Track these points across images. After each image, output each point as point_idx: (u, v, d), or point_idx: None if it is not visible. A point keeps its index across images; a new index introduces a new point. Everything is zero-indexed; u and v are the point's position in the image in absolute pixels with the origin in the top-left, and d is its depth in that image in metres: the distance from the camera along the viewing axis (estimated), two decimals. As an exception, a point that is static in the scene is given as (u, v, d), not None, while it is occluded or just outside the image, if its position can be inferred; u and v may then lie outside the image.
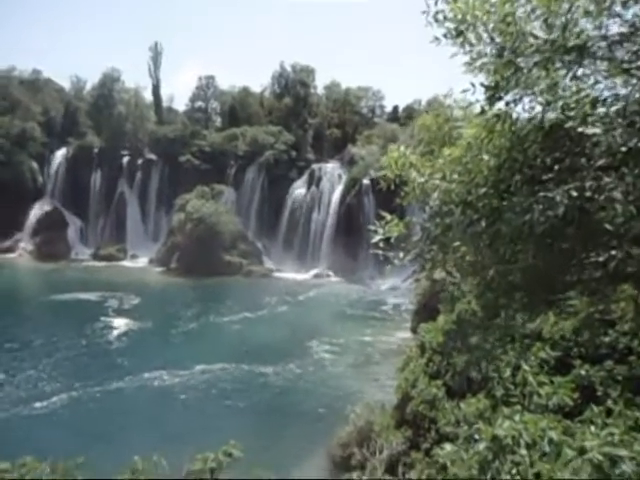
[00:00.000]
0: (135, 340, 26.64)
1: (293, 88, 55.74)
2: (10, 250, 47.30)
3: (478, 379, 9.78)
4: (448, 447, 3.43)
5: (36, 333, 26.90)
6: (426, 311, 22.54)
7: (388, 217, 4.30)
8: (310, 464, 16.22)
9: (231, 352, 24.96)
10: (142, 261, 47.62)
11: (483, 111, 4.13)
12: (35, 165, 50.92)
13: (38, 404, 18.78)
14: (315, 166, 50.75)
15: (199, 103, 60.81)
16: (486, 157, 4.01)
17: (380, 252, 4.43)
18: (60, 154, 52.54)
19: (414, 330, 24.35)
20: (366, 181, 46.47)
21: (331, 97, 60.24)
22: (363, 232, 45.98)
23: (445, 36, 4.07)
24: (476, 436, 3.36)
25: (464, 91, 4.20)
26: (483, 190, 3.98)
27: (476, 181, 3.98)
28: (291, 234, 48.66)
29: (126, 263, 47.49)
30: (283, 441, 17.09)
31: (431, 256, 4.25)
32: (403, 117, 58.07)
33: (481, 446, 3.02)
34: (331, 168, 50.63)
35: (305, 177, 50.19)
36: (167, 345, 26.22)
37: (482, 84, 4.12)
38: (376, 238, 4.33)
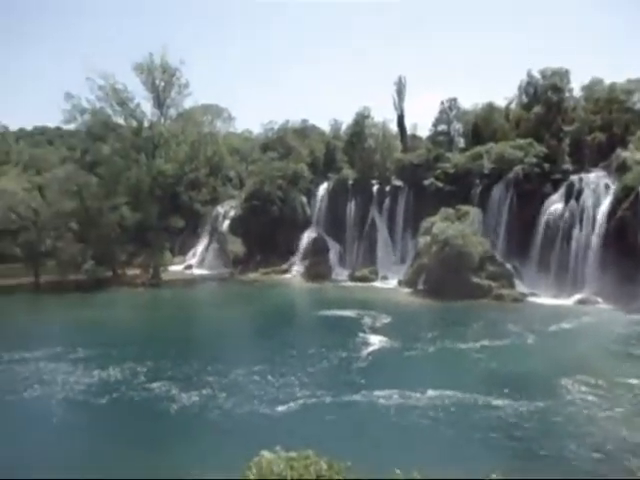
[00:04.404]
0: (379, 357, 28.00)
1: (543, 95, 51.05)
2: (287, 271, 56.55)
3: None
4: None
5: (310, 344, 31.18)
6: None
7: None
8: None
9: (466, 381, 23.69)
10: (391, 282, 50.33)
11: None
12: (304, 199, 60.07)
13: (280, 407, 21.06)
14: (574, 177, 45.01)
15: (442, 126, 61.60)
16: None
17: None
18: (322, 188, 60.58)
19: None
20: (644, 189, 38.82)
21: (591, 97, 52.81)
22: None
23: None
24: None
25: None
26: None
27: None
28: (546, 254, 44.04)
29: (377, 284, 50.98)
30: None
31: None
32: (697, 106, 46.63)
33: None
34: (595, 178, 44.06)
35: (562, 191, 44.94)
36: (405, 366, 26.68)
37: None
38: None
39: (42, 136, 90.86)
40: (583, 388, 22.59)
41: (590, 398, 21.59)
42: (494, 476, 7.17)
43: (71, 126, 57.47)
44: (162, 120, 55.56)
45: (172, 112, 56.06)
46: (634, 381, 23.30)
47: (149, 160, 54.23)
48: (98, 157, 55.91)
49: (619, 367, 25.12)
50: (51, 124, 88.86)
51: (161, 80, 53.63)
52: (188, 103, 56.25)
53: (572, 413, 20.27)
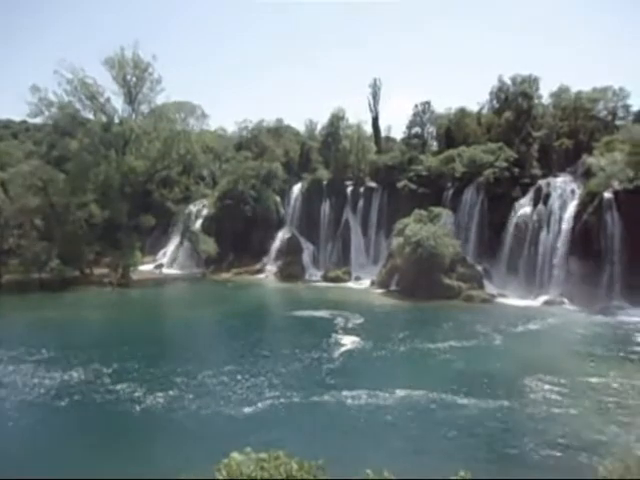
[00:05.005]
0: (350, 358, 28.01)
1: (514, 101, 52.20)
2: (260, 271, 56.12)
3: None
4: None
5: (282, 344, 30.95)
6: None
7: None
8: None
9: (434, 380, 23.95)
10: (364, 283, 50.55)
11: None
12: (278, 199, 59.78)
13: (247, 408, 20.87)
14: (542, 182, 46.20)
15: (415, 129, 62.24)
16: None
17: None
18: (297, 188, 60.42)
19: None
20: (608, 195, 40.12)
21: (559, 105, 54.34)
22: (606, 254, 39.61)
23: None
24: None
25: None
26: None
27: None
28: (515, 257, 45.07)
29: (350, 284, 51.13)
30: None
31: None
32: (658, 115, 48.50)
33: None
34: (561, 183, 45.32)
35: (530, 194, 46.08)
36: (375, 366, 26.78)
37: None
38: None
39: (6, 130, 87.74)
40: (546, 387, 23.12)
41: (553, 397, 22.11)
42: (462, 473, 7.19)
43: (37, 120, 55.78)
44: (133, 116, 54.35)
45: (144, 108, 55.01)
46: (594, 380, 23.99)
47: (119, 156, 52.93)
48: (65, 152, 54.26)
49: (581, 367, 25.84)
50: (16, 117, 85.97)
51: (132, 75, 52.48)
52: (160, 99, 55.25)
53: (534, 411, 20.73)
